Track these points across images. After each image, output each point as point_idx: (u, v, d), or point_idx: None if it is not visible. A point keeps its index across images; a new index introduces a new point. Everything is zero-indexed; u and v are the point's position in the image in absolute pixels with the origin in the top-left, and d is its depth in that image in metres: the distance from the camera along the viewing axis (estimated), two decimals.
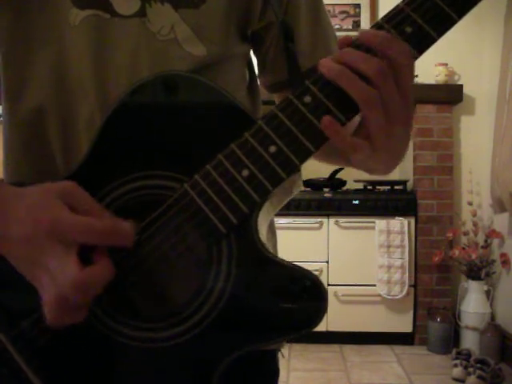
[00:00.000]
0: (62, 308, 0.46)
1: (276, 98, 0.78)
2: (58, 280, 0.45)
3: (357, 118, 0.50)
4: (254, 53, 0.72)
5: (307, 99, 0.49)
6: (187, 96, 0.52)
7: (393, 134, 0.49)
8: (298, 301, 0.49)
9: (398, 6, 0.48)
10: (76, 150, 0.57)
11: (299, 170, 0.51)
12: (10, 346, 0.51)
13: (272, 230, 0.73)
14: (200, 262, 0.51)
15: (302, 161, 0.49)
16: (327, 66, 0.48)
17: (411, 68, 0.48)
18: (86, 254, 0.47)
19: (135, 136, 0.53)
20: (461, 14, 0.47)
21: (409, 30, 0.47)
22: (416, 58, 0.48)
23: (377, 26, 0.48)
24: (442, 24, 0.47)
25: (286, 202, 0.57)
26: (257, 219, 0.50)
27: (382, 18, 0.48)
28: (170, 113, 0.52)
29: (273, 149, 0.49)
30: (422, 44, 0.48)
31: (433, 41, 0.48)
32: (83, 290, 0.45)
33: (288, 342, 0.72)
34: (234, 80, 0.65)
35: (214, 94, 0.52)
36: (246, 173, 0.49)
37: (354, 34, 0.48)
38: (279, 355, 0.72)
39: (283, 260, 0.50)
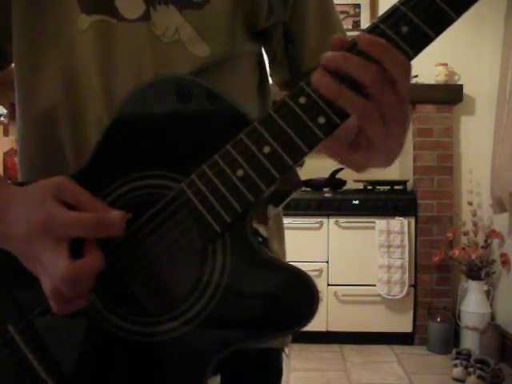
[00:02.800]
0: (58, 299, 0.49)
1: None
2: (51, 273, 0.48)
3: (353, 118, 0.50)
4: (265, 51, 0.73)
5: (302, 100, 0.49)
6: (185, 98, 0.53)
7: (390, 137, 0.50)
8: (290, 299, 0.50)
9: (394, 5, 0.47)
10: (86, 149, 0.58)
11: (293, 169, 0.52)
12: (17, 337, 0.54)
13: (279, 226, 0.74)
14: (195, 259, 0.52)
15: (296, 161, 0.49)
16: (321, 82, 0.47)
17: (408, 77, 0.48)
18: (78, 248, 0.50)
19: (136, 138, 0.55)
20: (459, 12, 0.46)
21: (405, 29, 0.46)
22: (412, 58, 0.47)
23: (373, 25, 0.47)
24: (440, 23, 0.46)
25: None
26: (251, 218, 0.51)
27: (378, 18, 0.48)
28: (169, 115, 0.53)
29: (267, 149, 0.49)
30: (418, 43, 0.47)
31: (430, 40, 0.47)
32: (73, 282, 0.48)
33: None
34: (242, 79, 0.66)
35: (212, 96, 0.53)
36: (240, 173, 0.50)
37: (355, 34, 0.48)
38: (283, 355, 0.73)
39: (277, 259, 0.52)
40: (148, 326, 0.53)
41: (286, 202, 0.59)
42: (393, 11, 0.47)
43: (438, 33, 0.46)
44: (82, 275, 0.48)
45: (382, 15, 0.48)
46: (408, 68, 0.47)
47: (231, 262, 0.51)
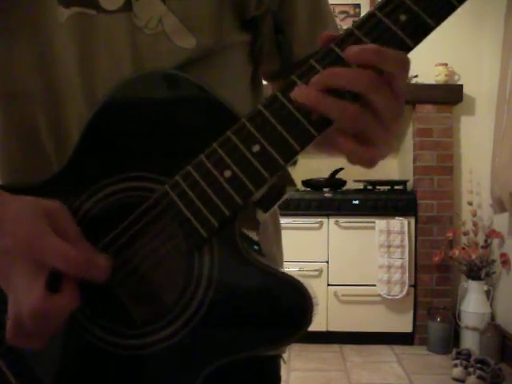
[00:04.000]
0: (18, 331, 0.46)
1: (271, 88, 0.76)
2: (20, 301, 0.45)
3: None
4: (255, 42, 0.69)
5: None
6: (168, 94, 0.51)
7: (388, 133, 0.48)
8: (282, 307, 0.47)
9: None
10: (67, 146, 0.56)
11: (285, 171, 0.49)
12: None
13: (276, 227, 0.71)
14: (181, 266, 0.49)
15: (287, 160, 0.46)
16: (302, 95, 0.45)
17: (406, 70, 0.45)
18: (55, 280, 0.46)
19: (117, 137, 0.52)
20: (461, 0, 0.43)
21: (403, 17, 0.43)
22: (411, 48, 0.44)
23: (369, 14, 0.44)
24: (440, 10, 0.43)
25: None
26: (239, 223, 0.48)
27: (375, 6, 0.44)
28: (151, 112, 0.51)
29: (256, 148, 0.46)
30: (417, 33, 0.43)
31: (430, 29, 0.43)
32: (40, 319, 0.44)
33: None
34: (233, 71, 0.63)
35: (197, 90, 0.50)
36: (228, 173, 0.47)
37: None
38: (281, 361, 0.70)
39: (267, 265, 0.48)
40: (133, 338, 0.50)
41: (277, 204, 0.55)
42: None
43: (438, 21, 0.43)
44: (53, 313, 0.45)
45: (379, 2, 0.44)
46: (405, 62, 0.44)
47: (219, 269, 0.48)
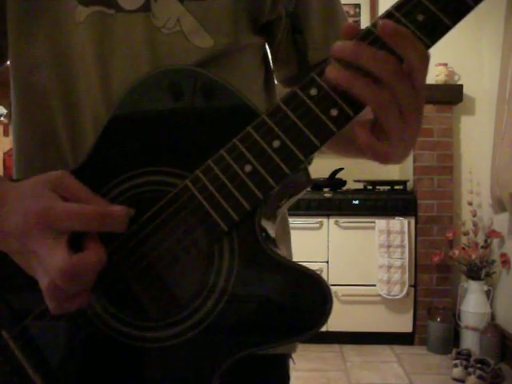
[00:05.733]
0: (57, 296, 0.46)
1: None
2: (49, 268, 0.45)
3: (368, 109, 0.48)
4: (268, 46, 0.70)
5: (313, 91, 0.47)
6: (188, 90, 0.51)
7: (406, 128, 0.47)
8: (302, 302, 0.48)
9: None
10: (83, 143, 0.57)
11: (304, 166, 0.49)
12: (11, 343, 0.51)
13: (284, 228, 0.71)
14: (201, 260, 0.50)
15: (307, 156, 0.47)
16: (333, 74, 0.45)
17: (427, 66, 0.46)
18: (78, 243, 0.47)
19: (137, 133, 0.52)
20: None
21: (421, 18, 0.44)
22: (429, 47, 0.45)
23: (387, 13, 0.45)
24: (457, 10, 0.44)
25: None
26: (260, 217, 0.49)
27: (393, 5, 0.45)
28: (171, 108, 0.51)
29: (276, 143, 0.47)
30: (435, 33, 0.45)
31: (447, 29, 0.44)
32: (73, 277, 0.45)
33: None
34: (247, 73, 0.64)
35: (216, 87, 0.50)
36: (248, 168, 0.47)
37: None
38: (290, 361, 0.70)
39: (287, 259, 0.49)
40: (149, 332, 0.50)
41: (294, 199, 0.56)
42: None
43: (455, 21, 0.44)
44: (83, 269, 0.45)
45: (396, 3, 0.45)
46: (427, 58, 0.45)
47: (239, 263, 0.48)
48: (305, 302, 0.48)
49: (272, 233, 0.53)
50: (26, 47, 0.59)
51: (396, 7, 0.45)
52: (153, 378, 0.51)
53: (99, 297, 0.50)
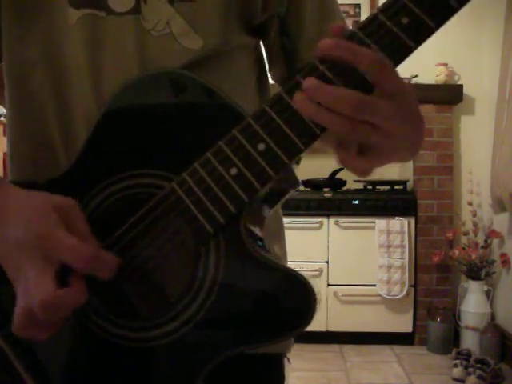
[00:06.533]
0: (26, 321, 0.47)
1: None
2: (31, 293, 0.46)
3: None
4: (264, 46, 0.71)
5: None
6: (175, 93, 0.52)
7: (391, 138, 0.47)
8: (286, 303, 0.49)
9: None
10: (75, 144, 0.57)
11: (288, 167, 0.49)
12: (2, 343, 0.52)
13: (279, 227, 0.71)
14: (188, 261, 0.50)
15: (291, 159, 0.47)
16: (302, 105, 0.46)
17: (391, 74, 0.45)
18: (65, 276, 0.47)
19: (126, 136, 0.53)
20: (461, 2, 0.44)
21: (405, 20, 0.45)
22: (413, 49, 0.45)
23: (372, 16, 0.46)
24: (441, 13, 0.44)
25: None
26: (246, 219, 0.50)
27: (378, 8, 0.46)
28: (158, 111, 0.52)
29: (261, 146, 0.47)
30: (419, 35, 0.45)
31: (431, 31, 0.45)
32: (50, 310, 0.46)
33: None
34: (238, 75, 0.64)
35: (203, 89, 0.51)
36: (234, 171, 0.48)
37: None
38: (285, 361, 0.70)
39: (272, 260, 0.50)
40: (139, 331, 0.51)
41: (281, 201, 0.57)
42: (393, 2, 0.45)
43: (439, 24, 0.45)
44: (62, 306, 0.46)
45: (381, 5, 0.46)
46: (382, 61, 0.44)
47: (225, 264, 0.49)
48: (289, 302, 0.48)
49: (260, 233, 0.54)
50: (19, 49, 0.60)
51: (381, 10, 0.45)
52: (141, 378, 0.52)
53: (90, 297, 0.50)
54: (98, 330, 0.52)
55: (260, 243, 0.53)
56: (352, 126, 0.45)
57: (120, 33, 0.58)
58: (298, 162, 0.49)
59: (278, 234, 0.71)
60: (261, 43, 0.70)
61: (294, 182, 0.54)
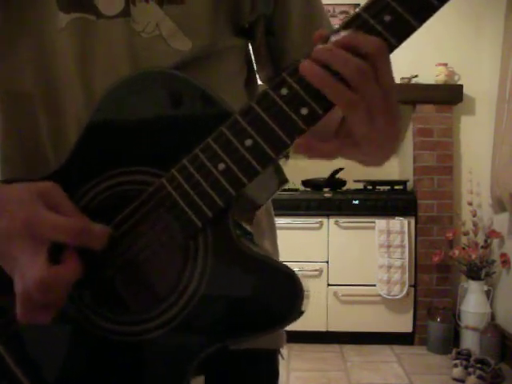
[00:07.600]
0: (27, 305, 0.47)
1: None
2: (25, 275, 0.47)
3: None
4: (251, 47, 0.71)
5: (284, 91, 0.48)
6: (164, 91, 0.53)
7: (376, 129, 0.48)
8: (273, 296, 0.49)
9: None
10: (66, 145, 0.58)
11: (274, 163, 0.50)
12: None
13: (271, 225, 0.72)
14: (177, 256, 0.51)
15: (278, 154, 0.48)
16: (309, 70, 0.46)
17: (387, 59, 0.46)
18: (57, 254, 0.48)
19: (116, 133, 0.54)
20: (442, 0, 0.45)
21: (388, 18, 0.46)
22: (395, 47, 0.46)
23: (355, 15, 0.47)
24: (422, 11, 0.45)
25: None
26: (233, 213, 0.50)
27: (361, 7, 0.47)
28: (148, 109, 0.53)
29: (249, 142, 0.49)
30: (401, 33, 0.46)
31: (413, 29, 0.46)
32: (46, 289, 0.46)
33: (287, 341, 0.72)
34: (228, 74, 0.65)
35: (192, 88, 0.52)
36: (221, 166, 0.49)
37: None
38: (279, 357, 0.71)
39: (261, 254, 0.51)
40: (129, 326, 0.52)
41: (270, 198, 0.57)
42: (376, 0, 0.46)
43: (421, 22, 0.46)
44: (57, 282, 0.47)
45: (365, 4, 0.47)
46: (380, 44, 0.45)
47: (213, 258, 0.50)
48: (276, 296, 0.49)
49: (249, 227, 0.55)
50: (9, 54, 0.60)
51: (364, 8, 0.47)
52: (132, 372, 0.53)
53: (81, 293, 0.51)
54: (88, 325, 0.52)
55: (248, 236, 0.54)
56: (352, 99, 0.45)
57: (110, 36, 0.58)
58: (287, 157, 0.50)
59: (269, 230, 0.71)
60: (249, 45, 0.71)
61: (282, 178, 0.54)
